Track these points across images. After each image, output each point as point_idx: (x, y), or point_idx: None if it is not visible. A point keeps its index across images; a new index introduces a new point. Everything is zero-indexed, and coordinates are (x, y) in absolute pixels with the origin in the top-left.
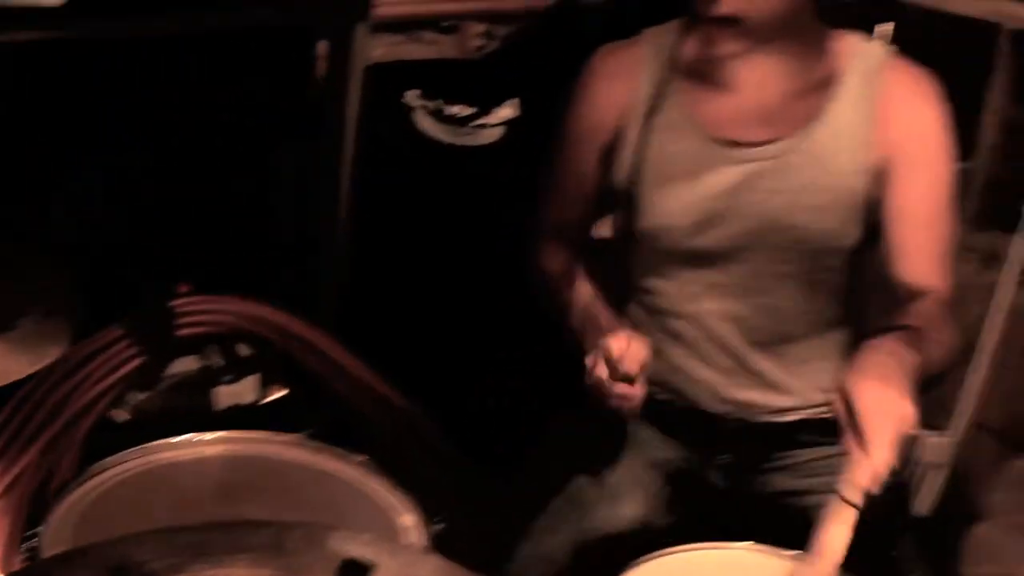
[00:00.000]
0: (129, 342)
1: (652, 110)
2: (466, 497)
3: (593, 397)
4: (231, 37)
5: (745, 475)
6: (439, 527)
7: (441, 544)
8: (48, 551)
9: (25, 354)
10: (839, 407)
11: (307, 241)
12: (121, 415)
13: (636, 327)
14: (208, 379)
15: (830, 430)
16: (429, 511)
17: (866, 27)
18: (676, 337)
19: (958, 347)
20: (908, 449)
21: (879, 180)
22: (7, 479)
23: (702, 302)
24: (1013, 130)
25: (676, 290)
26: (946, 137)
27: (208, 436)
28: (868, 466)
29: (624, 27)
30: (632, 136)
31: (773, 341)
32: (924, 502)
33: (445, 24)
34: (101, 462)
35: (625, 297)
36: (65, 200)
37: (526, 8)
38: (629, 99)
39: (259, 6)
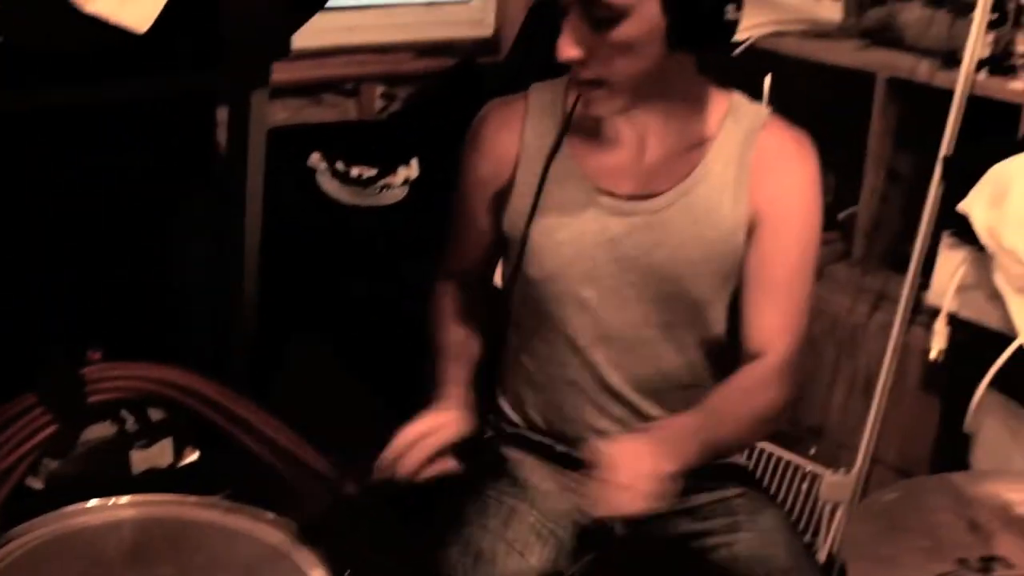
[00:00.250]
0: (42, 410)
1: (540, 161)
2: (381, 551)
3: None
4: (132, 104)
5: (645, 521)
6: None
7: None
8: None
9: None
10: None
11: (216, 303)
12: (36, 482)
13: (534, 378)
14: (122, 444)
15: (726, 474)
16: (342, 566)
17: (748, 78)
18: (571, 386)
19: (781, 407)
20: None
21: (750, 237)
22: None
23: (593, 352)
24: (893, 175)
25: (567, 339)
26: (811, 201)
27: (122, 500)
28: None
29: (517, 88)
30: (521, 186)
31: (663, 389)
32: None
33: (346, 87)
34: (15, 528)
35: (521, 346)
36: None
37: (425, 70)
38: (517, 150)
39: (158, 75)
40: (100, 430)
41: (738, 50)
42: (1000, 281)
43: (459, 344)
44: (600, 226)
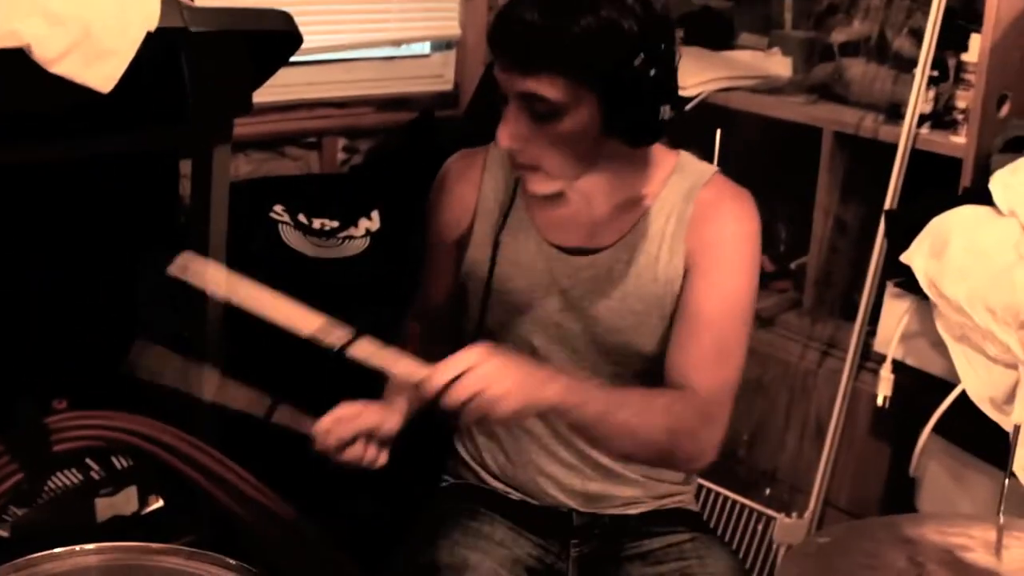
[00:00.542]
0: (8, 458)
1: (497, 213)
2: None
3: None
4: (96, 158)
5: (599, 567)
6: None
7: None
8: None
9: None
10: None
11: (180, 353)
12: (2, 531)
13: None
14: (87, 492)
15: (676, 519)
16: None
17: (699, 133)
18: (524, 433)
19: (685, 440)
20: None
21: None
22: None
23: None
24: (841, 226)
25: None
26: (744, 251)
27: (88, 547)
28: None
29: (477, 141)
30: (479, 236)
31: None
32: None
33: (308, 140)
34: None
35: None
36: None
37: (386, 123)
38: (475, 201)
39: (122, 131)
40: (65, 478)
41: (690, 105)
42: (942, 329)
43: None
44: (550, 278)
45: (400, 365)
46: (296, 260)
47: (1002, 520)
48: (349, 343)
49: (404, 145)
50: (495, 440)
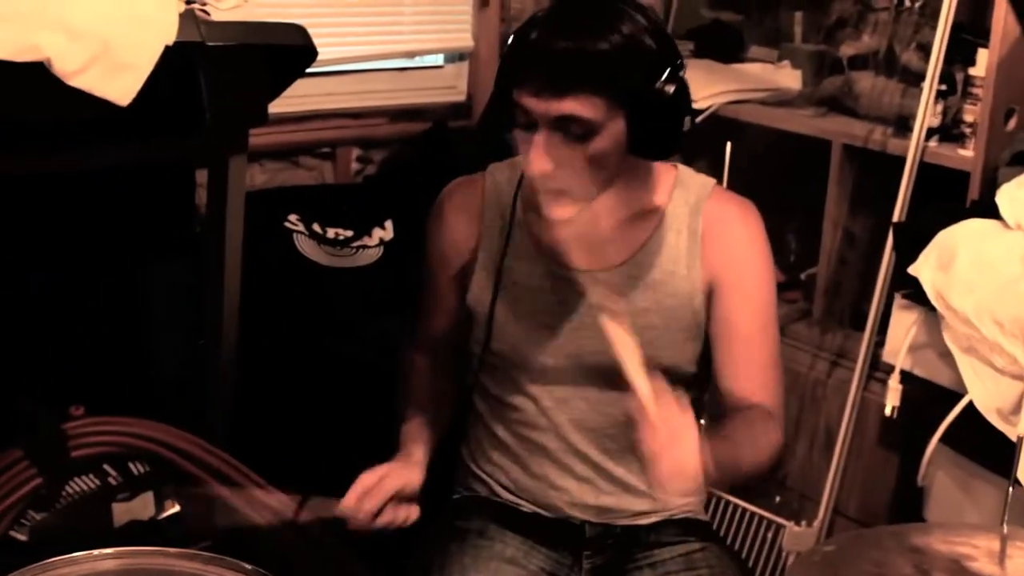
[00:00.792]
0: (27, 464)
1: (500, 237)
2: None
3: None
4: (113, 168)
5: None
6: None
7: None
8: None
9: None
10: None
11: (195, 360)
12: (20, 535)
13: (500, 440)
14: (105, 497)
15: (686, 529)
16: None
17: (710, 146)
18: (538, 448)
19: (779, 452)
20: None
21: (709, 300)
22: None
23: (557, 415)
24: (850, 238)
25: (533, 404)
26: (762, 260)
27: (106, 551)
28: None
29: (491, 150)
30: (483, 261)
31: (626, 449)
32: None
33: (323, 150)
34: None
35: (489, 411)
36: None
37: (399, 134)
38: (477, 228)
39: (139, 142)
40: (83, 483)
41: (700, 118)
42: (949, 341)
43: (424, 409)
44: (558, 299)
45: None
46: (310, 269)
47: (1006, 530)
48: None
49: (417, 155)
50: (508, 455)
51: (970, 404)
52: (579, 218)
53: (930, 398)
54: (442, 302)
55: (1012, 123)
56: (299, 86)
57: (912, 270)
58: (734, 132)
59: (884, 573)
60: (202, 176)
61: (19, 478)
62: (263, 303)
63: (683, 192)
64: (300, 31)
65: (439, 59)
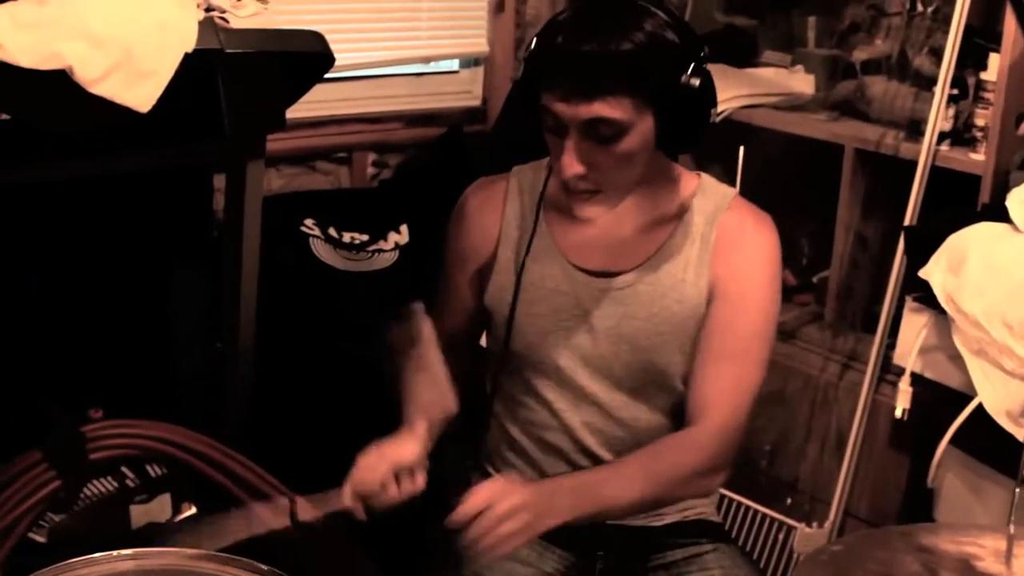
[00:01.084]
0: (46, 466)
1: (520, 239)
2: None
3: None
4: (132, 173)
5: None
6: None
7: None
8: None
9: None
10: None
11: (212, 363)
12: (39, 536)
13: (516, 441)
14: (122, 499)
15: (698, 531)
16: None
17: (723, 150)
18: (550, 448)
19: (703, 473)
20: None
21: (708, 308)
22: None
23: (570, 416)
24: (862, 241)
25: (546, 405)
26: (767, 277)
27: (124, 552)
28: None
29: (505, 155)
30: (503, 262)
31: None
32: None
33: (339, 155)
34: None
35: (504, 411)
36: None
37: (415, 139)
38: (498, 229)
39: (159, 148)
40: (101, 485)
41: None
42: (959, 343)
43: (431, 393)
44: (575, 301)
45: None
46: (326, 273)
47: (1012, 530)
48: None
49: (433, 160)
50: (523, 455)
51: (980, 406)
52: (602, 220)
53: (940, 400)
54: (458, 301)
55: (1023, 127)
56: (316, 91)
57: (923, 273)
58: (747, 136)
59: (892, 572)
60: (220, 181)
61: (38, 480)
62: (279, 307)
63: (703, 201)
64: (318, 38)
65: (455, 64)
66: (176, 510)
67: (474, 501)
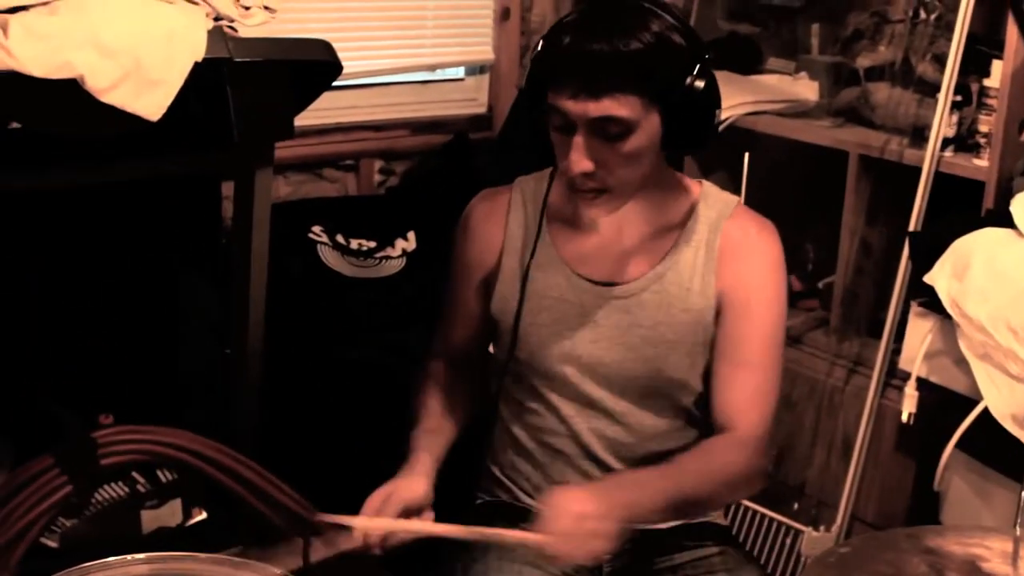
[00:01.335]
0: (58, 471)
1: (524, 249)
2: None
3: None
4: (141, 181)
5: None
6: None
7: None
8: None
9: None
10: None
11: (222, 369)
12: (51, 541)
13: (523, 446)
14: (133, 504)
15: (704, 534)
16: None
17: (728, 157)
18: (557, 453)
19: (747, 477)
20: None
21: (718, 316)
22: None
23: (575, 422)
24: (867, 247)
25: (553, 412)
26: (774, 283)
27: (138, 556)
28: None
29: (510, 163)
30: (507, 272)
31: (642, 456)
32: None
33: (346, 163)
34: None
35: (511, 417)
36: None
37: (421, 146)
38: (502, 239)
39: (168, 156)
40: (112, 491)
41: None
42: (964, 348)
43: (436, 417)
44: (580, 310)
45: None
46: (334, 280)
47: (1018, 532)
48: None
49: (439, 167)
50: (530, 460)
51: (985, 410)
52: (605, 230)
53: (946, 404)
54: (465, 311)
55: None
56: (322, 99)
57: (928, 279)
58: (752, 143)
59: (900, 574)
60: (228, 188)
61: (50, 485)
62: (287, 313)
63: (705, 208)
64: (326, 46)
65: (460, 72)
66: (187, 515)
67: (562, 522)
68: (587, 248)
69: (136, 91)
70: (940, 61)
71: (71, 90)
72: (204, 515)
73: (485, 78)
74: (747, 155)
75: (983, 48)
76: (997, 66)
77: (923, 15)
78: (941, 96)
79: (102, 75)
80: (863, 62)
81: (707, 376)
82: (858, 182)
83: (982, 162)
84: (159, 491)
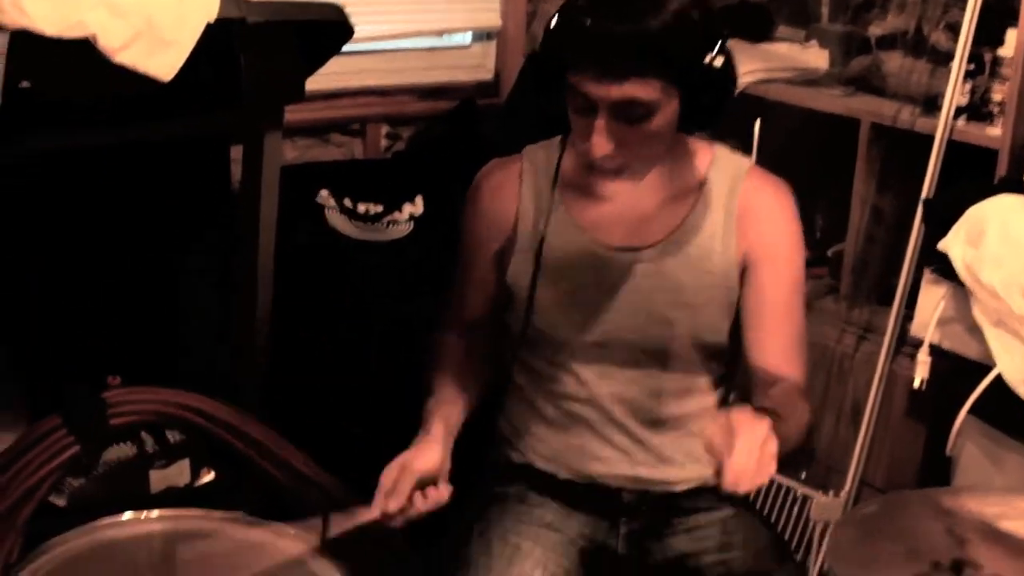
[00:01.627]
0: (65, 431)
1: (538, 217)
2: (392, 568)
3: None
4: (150, 143)
5: (646, 541)
6: None
7: None
8: None
9: None
10: (714, 427)
11: (230, 331)
12: (59, 500)
13: (540, 411)
14: (141, 464)
15: (721, 496)
16: None
17: (739, 124)
18: (577, 420)
19: (809, 427)
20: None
21: (743, 276)
22: None
23: (596, 387)
24: (878, 215)
25: (572, 378)
26: (794, 241)
27: (152, 514)
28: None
29: (517, 130)
30: (523, 241)
31: (663, 420)
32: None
33: (352, 127)
34: (51, 540)
35: (528, 384)
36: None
37: (427, 111)
38: (515, 209)
39: (178, 117)
40: (120, 451)
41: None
42: (978, 315)
43: (451, 386)
44: (599, 277)
45: None
46: (341, 243)
47: None
48: None
49: (446, 132)
50: (549, 425)
51: (999, 376)
52: (621, 197)
53: (958, 371)
54: (478, 282)
55: None
56: (329, 64)
57: (942, 245)
58: (763, 111)
59: (920, 530)
60: (236, 152)
61: (58, 445)
62: (295, 276)
63: (720, 171)
64: (337, 9)
65: (467, 38)
66: (195, 475)
67: (747, 440)
68: (604, 215)
69: (148, 51)
70: (953, 30)
71: (83, 50)
72: (212, 475)
73: (492, 44)
74: (758, 122)
75: (997, 17)
76: (1011, 35)
77: None
78: (954, 65)
79: (114, 35)
80: (875, 30)
81: (733, 335)
82: (869, 150)
83: (995, 130)
84: (167, 451)
